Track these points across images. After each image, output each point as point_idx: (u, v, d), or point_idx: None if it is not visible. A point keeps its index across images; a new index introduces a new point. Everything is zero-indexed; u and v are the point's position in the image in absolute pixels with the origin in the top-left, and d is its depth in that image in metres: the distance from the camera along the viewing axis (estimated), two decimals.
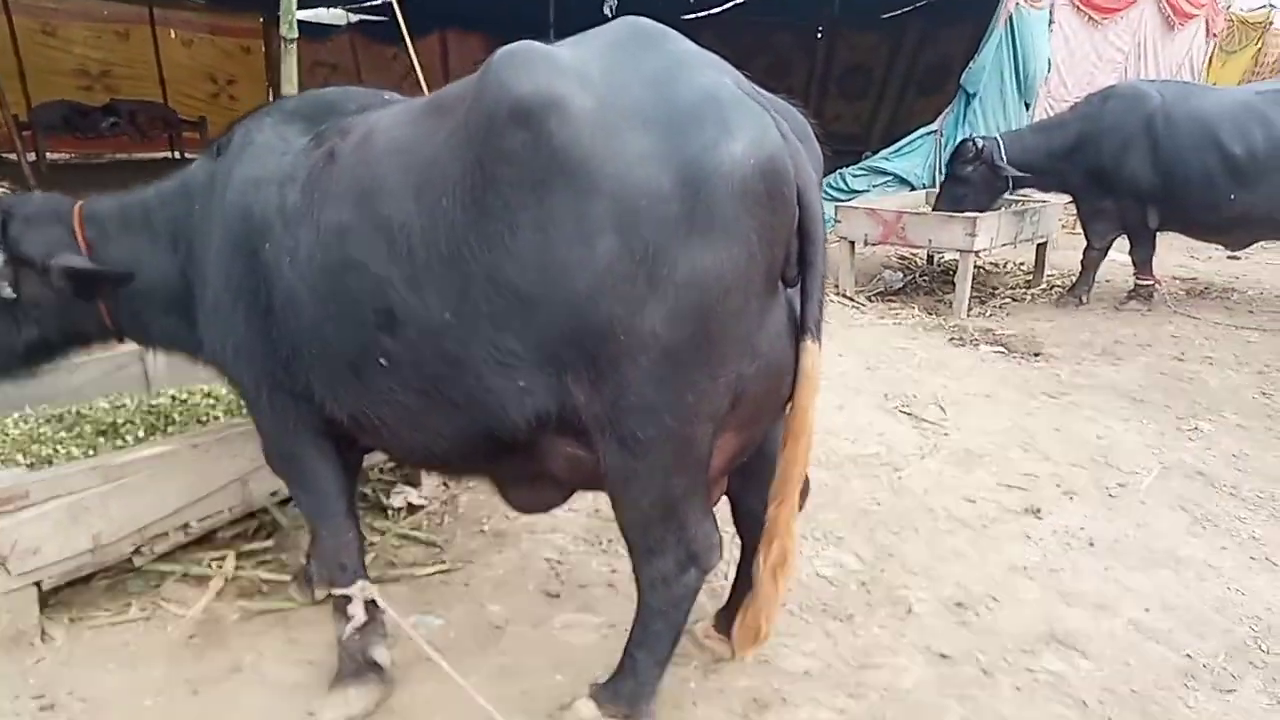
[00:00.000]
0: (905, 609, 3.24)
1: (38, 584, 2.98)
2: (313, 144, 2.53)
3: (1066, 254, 8.73)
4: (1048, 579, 3.47)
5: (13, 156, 10.08)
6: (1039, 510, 4.00)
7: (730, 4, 13.42)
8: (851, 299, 7.82)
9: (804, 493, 2.81)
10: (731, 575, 3.01)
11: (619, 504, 2.33)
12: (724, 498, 2.75)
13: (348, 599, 2.71)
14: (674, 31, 2.23)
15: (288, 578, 3.31)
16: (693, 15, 12.40)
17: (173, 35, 15.56)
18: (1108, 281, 8.08)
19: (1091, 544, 3.73)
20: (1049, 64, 10.72)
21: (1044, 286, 8.24)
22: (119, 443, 3.61)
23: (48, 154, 12.33)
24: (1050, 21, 10.60)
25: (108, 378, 4.09)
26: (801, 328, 2.23)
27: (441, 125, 2.24)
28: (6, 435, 3.62)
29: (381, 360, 2.31)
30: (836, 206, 8.48)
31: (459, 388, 2.26)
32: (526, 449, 2.38)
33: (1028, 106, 10.67)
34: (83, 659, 2.89)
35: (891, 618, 3.19)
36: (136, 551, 3.22)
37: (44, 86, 13.29)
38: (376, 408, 2.42)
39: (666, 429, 2.15)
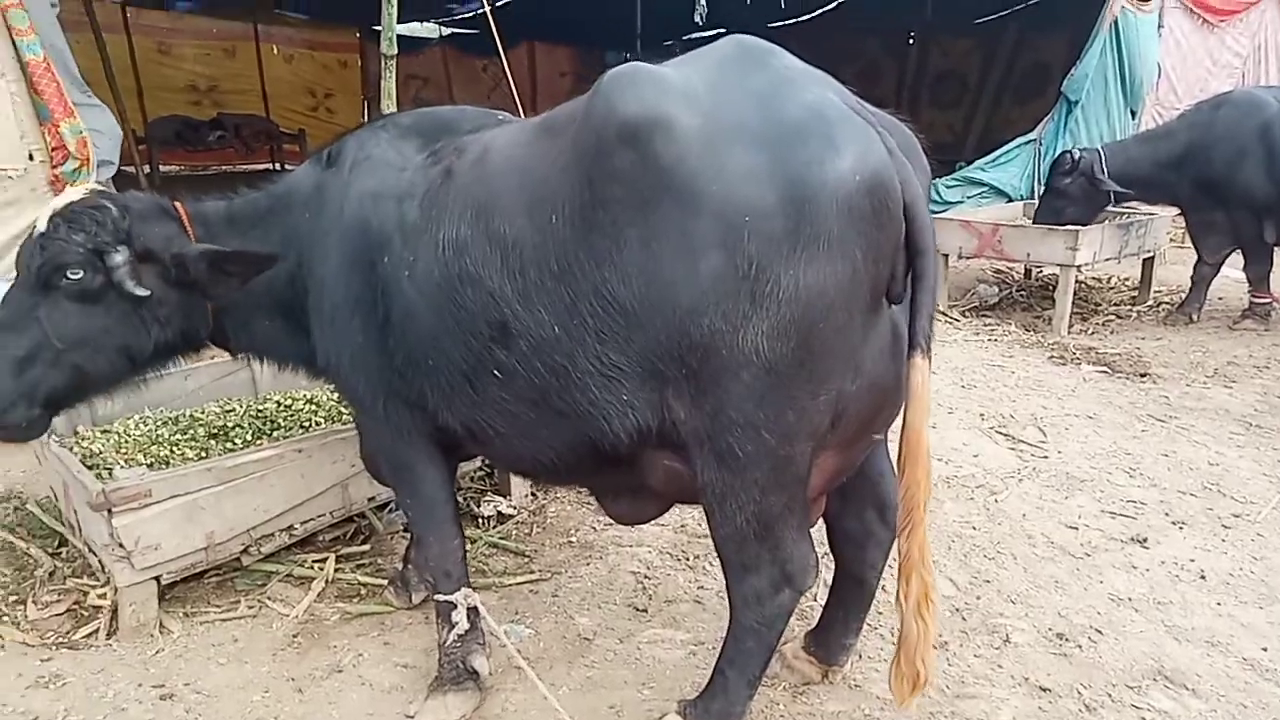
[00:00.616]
0: (1002, 638, 3.14)
1: (157, 578, 3.15)
2: (429, 161, 2.60)
3: (1175, 269, 8.36)
4: (1155, 612, 3.32)
5: (131, 169, 10.66)
6: (1145, 539, 3.83)
7: (818, 11, 13.31)
8: (944, 314, 7.63)
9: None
10: (822, 597, 2.98)
11: (714, 519, 2.32)
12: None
13: (452, 606, 2.76)
14: (780, 48, 2.23)
15: (384, 582, 3.41)
16: (780, 23, 12.34)
17: (275, 51, 16.22)
18: (1220, 299, 7.70)
19: (1203, 576, 3.55)
20: (1158, 69, 10.29)
21: (1151, 303, 7.89)
22: (228, 445, 3.78)
23: (160, 166, 12.98)
24: (1159, 25, 10.18)
25: (218, 383, 4.29)
26: (911, 343, 2.19)
27: (553, 145, 2.29)
28: (129, 436, 3.83)
29: (495, 372, 2.37)
30: None
31: (566, 400, 2.30)
32: (628, 461, 2.40)
33: (1134, 115, 10.27)
34: (196, 652, 3.04)
35: (988, 647, 3.10)
36: (245, 551, 3.37)
37: (158, 102, 14.02)
38: (489, 417, 2.47)
39: (765, 446, 2.15)
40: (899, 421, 2.24)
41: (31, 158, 4.54)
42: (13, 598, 3.30)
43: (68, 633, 3.13)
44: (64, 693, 2.80)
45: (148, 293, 2.64)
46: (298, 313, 2.85)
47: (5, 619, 3.17)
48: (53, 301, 2.61)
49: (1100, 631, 3.19)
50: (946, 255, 7.71)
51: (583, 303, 2.18)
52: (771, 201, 2.00)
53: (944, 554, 3.71)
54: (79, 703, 2.76)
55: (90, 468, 3.41)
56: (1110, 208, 7.60)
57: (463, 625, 2.75)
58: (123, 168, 10.95)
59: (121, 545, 3.02)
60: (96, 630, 3.11)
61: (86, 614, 3.21)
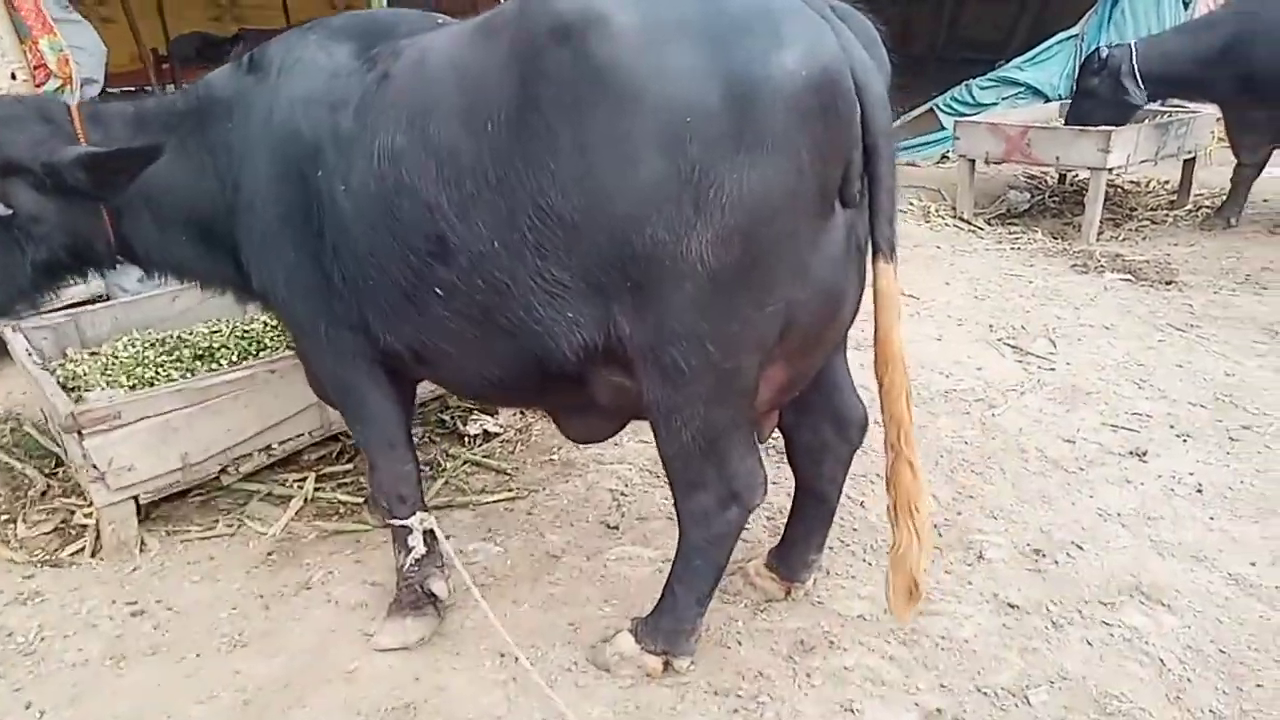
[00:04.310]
0: (976, 554, 3.07)
1: (135, 499, 3.21)
2: (364, 66, 2.45)
3: (1221, 171, 7.89)
4: (1142, 527, 3.21)
5: (150, 89, 10.64)
6: (1145, 453, 3.70)
7: None
8: (969, 222, 7.34)
9: (863, 427, 2.68)
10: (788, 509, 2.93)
11: (660, 436, 2.29)
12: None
13: (407, 530, 2.76)
14: None
15: (362, 500, 3.45)
16: None
17: None
18: (1265, 201, 7.28)
19: (1199, 490, 3.42)
20: None
21: (1189, 208, 7.48)
22: (213, 366, 3.80)
23: (183, 84, 12.96)
24: None
25: (205, 305, 4.28)
26: (874, 248, 2.12)
27: (488, 47, 2.17)
28: (115, 358, 3.87)
29: (436, 290, 2.29)
30: (955, 122, 7.96)
31: (510, 318, 2.23)
32: (577, 379, 2.35)
33: (1186, 6, 9.59)
34: (173, 570, 3.11)
35: (960, 563, 3.04)
36: (223, 471, 3.42)
37: (179, 20, 13.91)
38: (433, 338, 2.41)
39: (710, 359, 2.09)
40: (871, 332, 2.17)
41: (14, 77, 4.49)
42: (4, 516, 3.40)
43: (55, 550, 3.23)
44: (40, 609, 2.90)
45: (9, 212, 2.43)
46: (218, 230, 2.65)
47: None
48: None
49: (1080, 547, 3.10)
50: (973, 160, 7.39)
51: (521, 215, 2.09)
52: (713, 101, 1.90)
53: (931, 469, 3.62)
54: (53, 618, 2.85)
55: (73, 389, 3.47)
56: (1151, 106, 7.15)
57: (419, 550, 2.74)
58: (144, 87, 10.97)
59: (95, 466, 3.07)
60: (82, 548, 3.20)
61: (74, 532, 3.31)
